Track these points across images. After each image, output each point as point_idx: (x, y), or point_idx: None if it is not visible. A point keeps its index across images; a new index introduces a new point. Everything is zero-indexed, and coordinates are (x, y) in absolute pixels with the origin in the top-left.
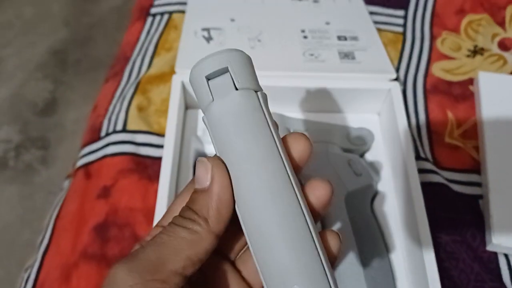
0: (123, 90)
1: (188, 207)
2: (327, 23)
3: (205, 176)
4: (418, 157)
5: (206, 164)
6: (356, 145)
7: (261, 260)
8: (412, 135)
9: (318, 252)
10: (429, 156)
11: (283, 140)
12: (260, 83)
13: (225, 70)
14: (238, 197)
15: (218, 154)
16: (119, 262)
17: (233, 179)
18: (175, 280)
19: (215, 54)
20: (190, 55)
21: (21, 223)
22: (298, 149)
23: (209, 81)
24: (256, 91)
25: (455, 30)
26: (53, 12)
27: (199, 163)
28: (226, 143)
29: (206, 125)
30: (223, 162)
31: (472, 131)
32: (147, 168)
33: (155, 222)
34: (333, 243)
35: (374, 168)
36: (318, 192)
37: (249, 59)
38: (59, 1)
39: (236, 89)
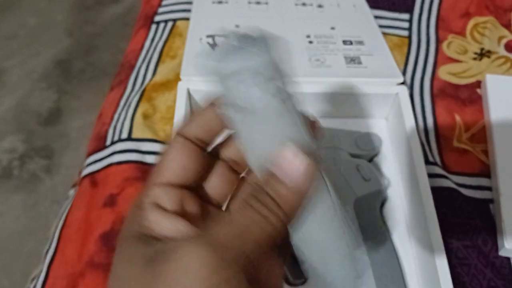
0: (128, 98)
1: (270, 197)
2: (332, 28)
3: (299, 174)
4: (426, 162)
5: (303, 161)
6: (364, 150)
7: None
8: (420, 139)
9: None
10: (437, 160)
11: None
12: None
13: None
14: None
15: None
16: (190, 240)
17: None
18: (243, 262)
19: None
20: (195, 62)
21: (25, 232)
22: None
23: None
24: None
25: (461, 33)
26: (57, 22)
27: (294, 155)
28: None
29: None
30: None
31: (480, 135)
32: None
33: None
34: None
35: (383, 173)
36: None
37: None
38: (62, 11)
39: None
